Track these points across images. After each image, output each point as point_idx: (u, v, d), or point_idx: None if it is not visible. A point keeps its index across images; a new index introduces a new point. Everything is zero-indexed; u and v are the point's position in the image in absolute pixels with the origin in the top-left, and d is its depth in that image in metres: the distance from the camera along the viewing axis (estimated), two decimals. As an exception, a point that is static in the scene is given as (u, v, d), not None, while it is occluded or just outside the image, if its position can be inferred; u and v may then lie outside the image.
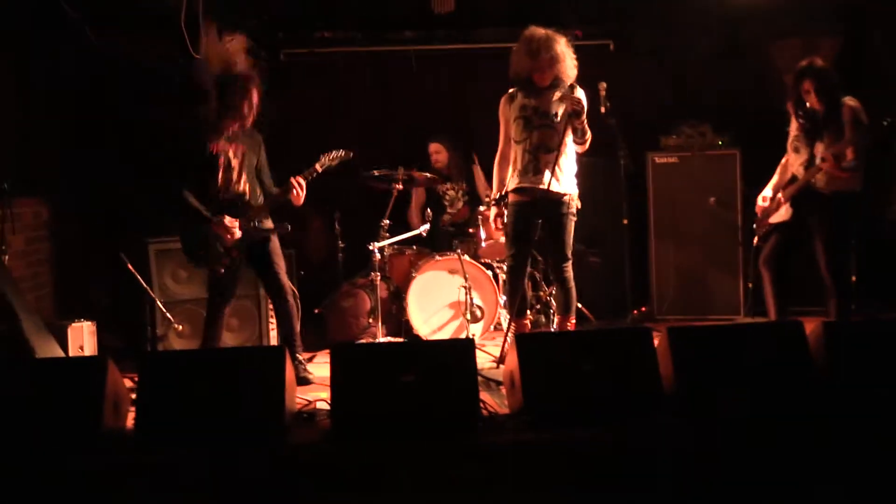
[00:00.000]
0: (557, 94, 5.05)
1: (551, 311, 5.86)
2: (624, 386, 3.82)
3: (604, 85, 5.79)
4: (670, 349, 3.86)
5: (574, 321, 5.30)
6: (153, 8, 5.68)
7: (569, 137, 5.04)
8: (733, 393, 3.75)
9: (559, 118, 5.00)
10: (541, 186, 4.96)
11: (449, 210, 6.88)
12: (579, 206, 5.20)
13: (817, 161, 4.94)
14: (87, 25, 5.61)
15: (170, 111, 5.72)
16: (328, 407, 3.91)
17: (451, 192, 6.88)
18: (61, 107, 6.31)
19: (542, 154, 5.00)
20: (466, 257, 6.03)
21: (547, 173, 4.96)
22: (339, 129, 7.20)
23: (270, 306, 5.73)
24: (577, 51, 7.14)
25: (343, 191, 6.48)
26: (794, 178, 5.17)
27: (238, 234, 4.91)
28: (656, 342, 3.97)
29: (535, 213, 5.02)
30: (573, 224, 5.15)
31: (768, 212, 5.35)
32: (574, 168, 5.19)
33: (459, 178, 6.87)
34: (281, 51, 7.16)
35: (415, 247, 6.42)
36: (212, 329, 5.11)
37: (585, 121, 4.92)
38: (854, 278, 5.60)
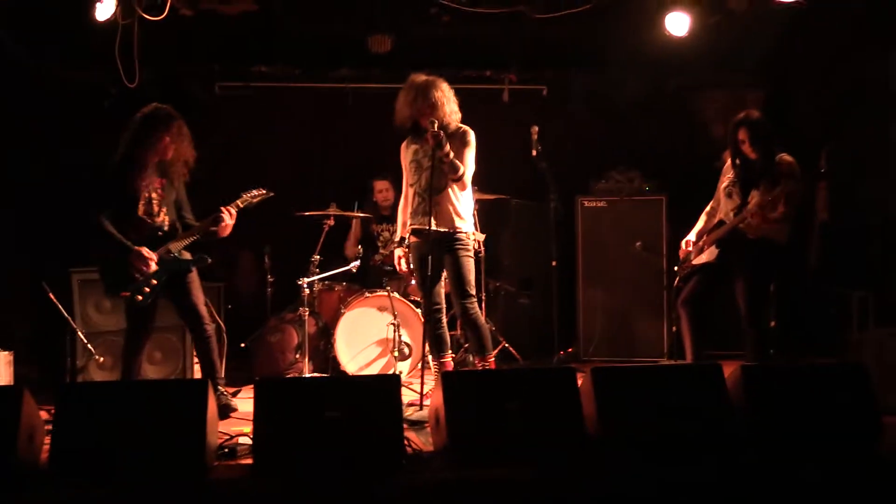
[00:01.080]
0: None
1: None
2: (548, 425, 3.83)
3: (536, 129, 5.92)
4: (593, 389, 3.90)
5: (493, 360, 5.30)
6: (88, 39, 5.65)
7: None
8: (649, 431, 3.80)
9: (448, 159, 4.97)
10: (433, 227, 4.97)
11: (381, 251, 6.89)
12: (479, 242, 5.21)
13: (746, 209, 5.03)
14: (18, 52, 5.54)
15: (97, 141, 5.65)
16: (251, 442, 3.85)
17: (386, 234, 6.89)
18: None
19: (431, 195, 4.98)
20: (396, 295, 6.04)
21: (437, 214, 4.98)
22: (273, 164, 7.19)
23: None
24: (512, 95, 7.33)
25: (274, 225, 6.45)
26: (721, 224, 5.27)
27: (154, 266, 4.86)
28: (580, 382, 4.01)
29: (430, 252, 5.02)
30: (470, 261, 5.09)
31: (691, 256, 5.45)
32: (469, 206, 5.18)
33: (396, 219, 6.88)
34: (216, 83, 7.15)
35: (345, 283, 6.41)
36: (130, 361, 5.03)
37: (450, 153, 4.88)
38: (773, 323, 5.73)
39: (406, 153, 5.24)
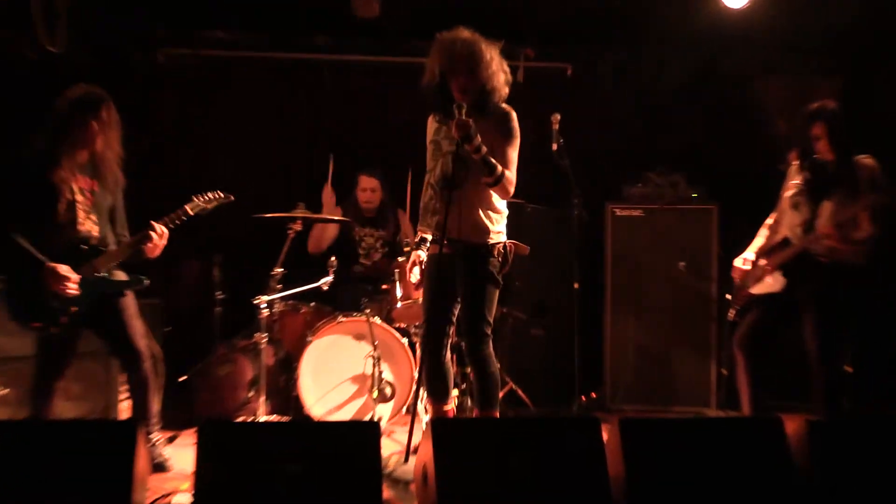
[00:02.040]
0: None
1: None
2: (563, 488, 3.81)
3: (557, 117, 5.91)
4: (622, 445, 3.87)
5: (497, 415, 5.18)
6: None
7: None
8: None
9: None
10: (453, 235, 4.78)
11: (363, 260, 6.88)
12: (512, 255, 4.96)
13: (820, 224, 5.02)
14: None
15: (8, 118, 5.64)
16: (188, 500, 3.81)
17: (370, 240, 6.88)
18: None
19: (443, 189, 4.82)
20: (377, 319, 6.02)
21: (452, 215, 4.76)
22: (227, 153, 7.18)
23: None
24: (528, 74, 7.33)
25: (226, 229, 6.42)
26: (786, 242, 5.27)
27: (74, 287, 4.78)
28: (605, 436, 3.99)
29: (452, 266, 4.84)
30: (494, 290, 4.88)
31: (749, 279, 5.43)
32: (501, 211, 4.97)
33: (384, 223, 6.89)
34: (159, 51, 7.14)
35: (313, 303, 6.38)
36: (39, 400, 5.01)
37: (483, 148, 4.61)
38: (848, 368, 5.72)
39: (429, 132, 5.00)
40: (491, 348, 4.91)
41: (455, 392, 5.58)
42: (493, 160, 4.65)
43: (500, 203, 4.93)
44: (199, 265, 6.97)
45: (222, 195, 5.18)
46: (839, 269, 5.06)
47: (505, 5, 6.89)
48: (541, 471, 3.83)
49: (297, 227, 5.99)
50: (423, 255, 5.04)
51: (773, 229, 5.46)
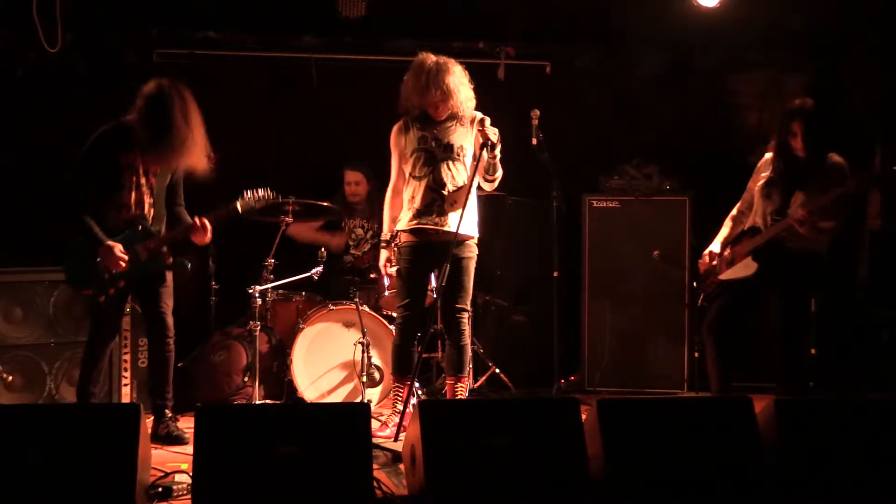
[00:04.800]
0: (456, 125, 5.32)
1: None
2: (544, 466, 3.85)
3: (537, 113, 5.93)
4: (600, 424, 3.91)
5: (465, 382, 5.40)
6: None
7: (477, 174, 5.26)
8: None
9: (463, 150, 5.29)
10: (446, 228, 5.20)
11: (353, 251, 6.90)
12: None
13: (791, 212, 5.04)
14: None
15: (6, 114, 5.65)
16: (189, 480, 3.84)
17: (360, 231, 6.90)
18: None
19: (447, 192, 5.24)
20: (365, 308, 6.04)
21: (453, 215, 5.20)
22: (220, 149, 7.16)
23: (125, 356, 5.73)
24: (509, 72, 7.34)
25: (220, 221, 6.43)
26: (754, 230, 5.29)
27: (124, 265, 4.98)
28: (584, 416, 4.03)
29: (434, 258, 5.22)
30: (473, 271, 5.38)
31: (715, 269, 5.47)
32: (476, 208, 5.42)
33: (372, 215, 6.89)
34: (154, 50, 7.13)
35: (304, 293, 6.41)
36: (90, 367, 5.18)
37: (499, 155, 5.16)
38: (813, 351, 5.77)
39: (404, 139, 5.39)
40: (469, 326, 5.43)
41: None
42: (499, 163, 5.20)
43: (475, 201, 5.39)
44: (194, 257, 6.95)
45: (272, 194, 5.33)
46: (806, 255, 5.10)
47: (486, 6, 6.92)
48: (523, 450, 3.87)
49: (289, 219, 6.02)
50: (387, 253, 5.49)
51: (737, 220, 5.47)
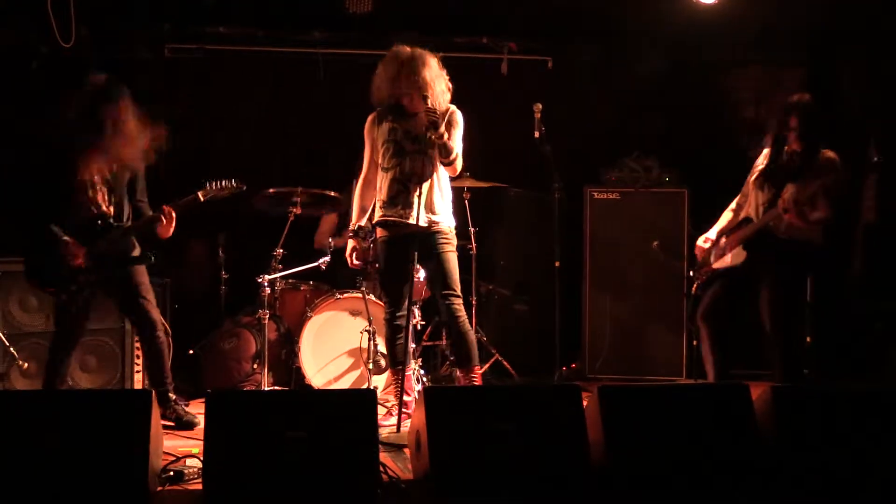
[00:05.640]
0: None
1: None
2: (546, 452, 3.86)
3: (539, 106, 5.94)
4: (601, 411, 3.93)
5: (479, 374, 5.37)
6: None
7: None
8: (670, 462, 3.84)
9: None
10: (410, 221, 5.09)
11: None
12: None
13: (781, 202, 5.05)
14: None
15: (21, 107, 5.65)
16: (200, 464, 3.86)
17: (368, 223, 6.90)
18: None
19: (413, 184, 5.11)
20: (372, 297, 6.04)
21: (417, 206, 5.05)
22: (230, 141, 7.18)
23: (137, 344, 5.69)
24: (511, 67, 7.34)
25: (230, 211, 6.43)
26: (747, 220, 5.30)
27: (81, 261, 4.92)
28: (585, 403, 4.04)
29: (407, 250, 5.11)
30: (455, 257, 5.26)
31: (711, 255, 5.48)
32: (450, 198, 5.33)
33: None
34: (166, 45, 7.14)
35: (312, 282, 6.42)
36: (54, 367, 5.12)
37: (445, 134, 5.02)
38: (808, 340, 5.77)
39: (376, 130, 5.29)
40: (464, 309, 5.29)
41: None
42: (451, 144, 5.06)
43: (449, 192, 5.31)
44: (205, 246, 6.99)
45: (235, 184, 5.22)
46: (796, 245, 5.11)
47: (490, 2, 6.92)
48: (525, 436, 3.88)
49: (297, 210, 6.02)
50: (352, 243, 5.44)
51: (736, 211, 5.46)
